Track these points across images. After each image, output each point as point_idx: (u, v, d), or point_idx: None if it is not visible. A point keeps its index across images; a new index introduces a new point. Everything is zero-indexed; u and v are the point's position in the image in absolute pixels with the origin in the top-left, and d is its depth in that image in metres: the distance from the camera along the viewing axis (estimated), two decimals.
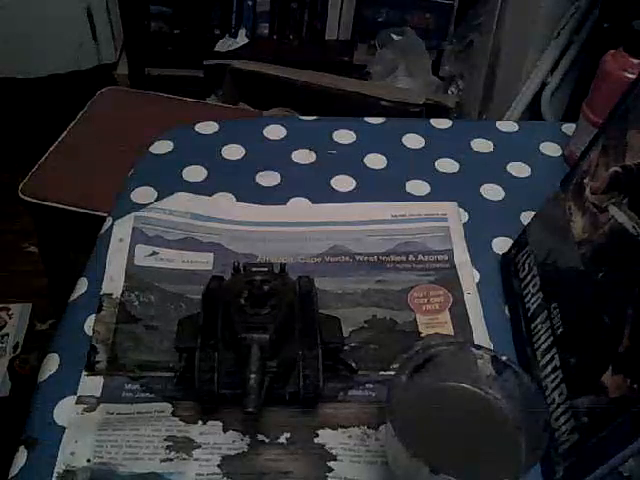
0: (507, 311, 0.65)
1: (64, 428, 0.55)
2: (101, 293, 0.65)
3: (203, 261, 0.68)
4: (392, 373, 0.51)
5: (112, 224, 0.71)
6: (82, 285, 0.66)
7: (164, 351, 0.60)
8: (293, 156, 0.81)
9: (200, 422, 0.56)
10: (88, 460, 0.53)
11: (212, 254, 0.69)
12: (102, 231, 0.72)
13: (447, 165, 0.81)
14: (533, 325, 0.60)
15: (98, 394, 0.57)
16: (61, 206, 1.21)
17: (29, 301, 1.63)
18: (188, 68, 1.97)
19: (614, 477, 0.49)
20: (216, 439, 0.55)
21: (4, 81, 2.01)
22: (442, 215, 0.73)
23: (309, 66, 1.82)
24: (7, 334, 1.56)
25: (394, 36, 1.90)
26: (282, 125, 0.86)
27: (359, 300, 0.66)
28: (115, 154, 1.22)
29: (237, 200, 0.75)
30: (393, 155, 0.82)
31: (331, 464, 0.53)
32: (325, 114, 0.89)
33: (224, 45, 1.96)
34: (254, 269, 0.60)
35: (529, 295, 0.62)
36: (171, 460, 0.53)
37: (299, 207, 0.75)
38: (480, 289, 0.67)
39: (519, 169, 0.81)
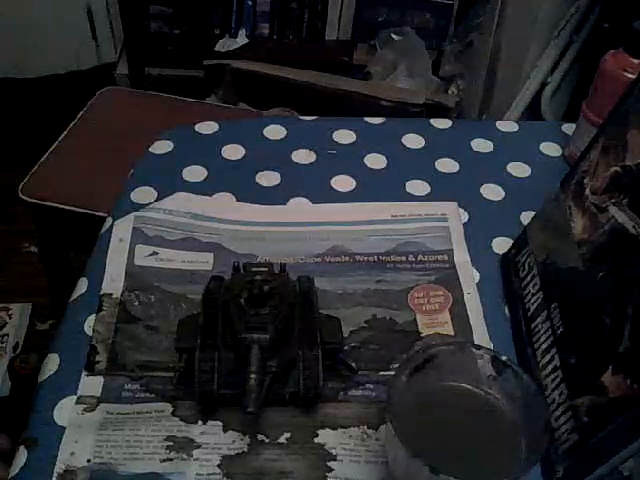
0: (507, 311, 0.65)
1: (64, 428, 0.55)
2: (101, 293, 0.65)
3: (203, 261, 0.68)
4: (392, 373, 0.51)
5: (112, 224, 0.71)
6: (82, 285, 0.66)
7: (164, 351, 0.60)
8: (293, 156, 0.81)
9: (200, 422, 0.56)
10: (88, 460, 0.53)
11: (212, 254, 0.69)
12: (102, 231, 0.72)
13: (447, 165, 0.81)
14: (533, 325, 0.60)
15: (98, 394, 0.57)
16: (61, 206, 1.21)
17: (29, 301, 1.63)
18: (188, 68, 1.97)
19: (614, 477, 0.49)
20: (216, 439, 0.55)
21: (4, 81, 2.01)
22: (442, 215, 0.73)
23: (309, 66, 1.82)
24: (7, 334, 1.56)
25: (394, 36, 1.89)
26: (282, 125, 0.86)
27: (359, 300, 0.66)
28: (115, 154, 1.22)
29: (237, 200, 0.75)
30: (393, 155, 0.82)
31: (331, 464, 0.53)
32: (325, 114, 0.89)
33: (224, 45, 1.95)
34: (254, 269, 0.60)
35: (529, 295, 0.62)
36: (171, 460, 0.53)
37: (299, 207, 0.75)
38: (480, 289, 0.67)
39: (519, 169, 0.81)
